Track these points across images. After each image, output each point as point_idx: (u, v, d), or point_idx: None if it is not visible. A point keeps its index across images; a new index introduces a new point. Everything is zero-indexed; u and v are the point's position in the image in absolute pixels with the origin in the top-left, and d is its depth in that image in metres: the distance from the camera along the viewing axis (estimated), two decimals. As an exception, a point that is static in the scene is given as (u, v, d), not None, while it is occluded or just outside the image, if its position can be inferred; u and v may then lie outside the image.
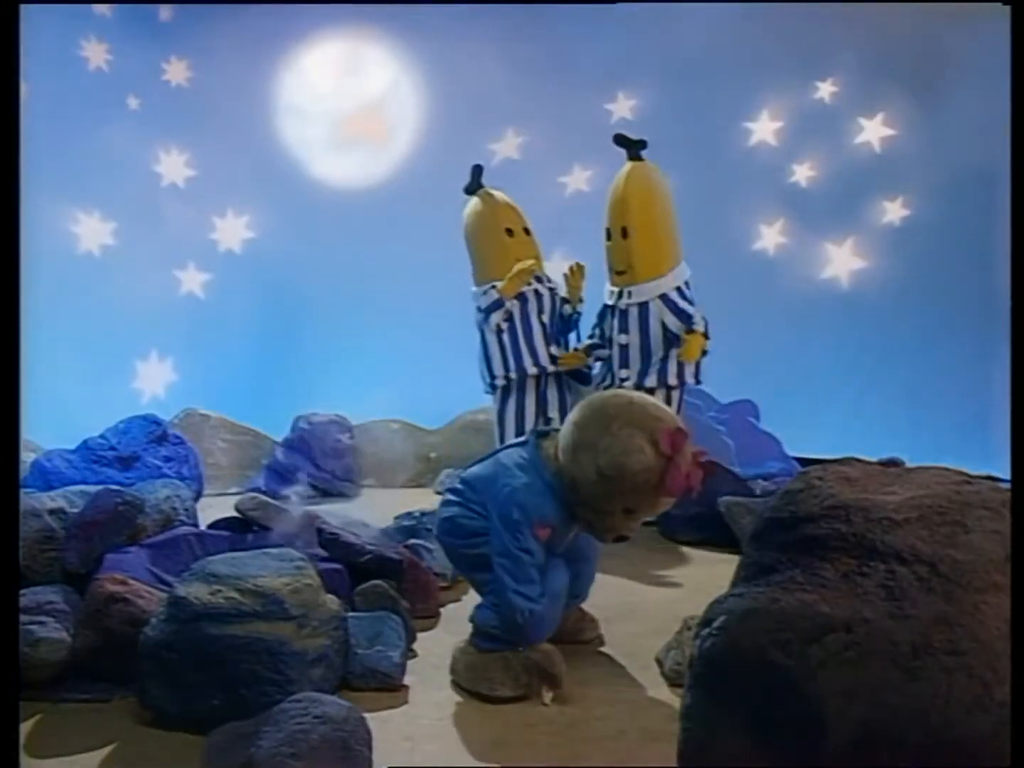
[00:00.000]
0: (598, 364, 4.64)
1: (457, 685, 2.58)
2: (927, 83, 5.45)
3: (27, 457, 4.26)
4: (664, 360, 4.38)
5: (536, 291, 4.57)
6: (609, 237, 4.44)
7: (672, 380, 4.38)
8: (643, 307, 4.37)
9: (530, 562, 2.53)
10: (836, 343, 5.67)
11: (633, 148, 4.42)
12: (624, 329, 4.40)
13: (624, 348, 4.40)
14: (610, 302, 4.46)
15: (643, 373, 4.38)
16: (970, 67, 5.22)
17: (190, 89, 6.00)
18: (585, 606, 3.01)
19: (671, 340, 4.36)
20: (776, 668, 1.58)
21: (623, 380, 4.38)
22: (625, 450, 2.41)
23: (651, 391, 4.30)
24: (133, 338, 5.73)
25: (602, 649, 2.86)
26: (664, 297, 4.36)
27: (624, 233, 4.39)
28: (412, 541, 3.45)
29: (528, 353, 4.54)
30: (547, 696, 2.49)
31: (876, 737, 1.50)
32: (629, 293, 4.38)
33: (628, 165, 4.45)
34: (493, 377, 4.56)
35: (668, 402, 4.40)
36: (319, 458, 5.20)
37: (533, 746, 2.24)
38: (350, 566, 3.01)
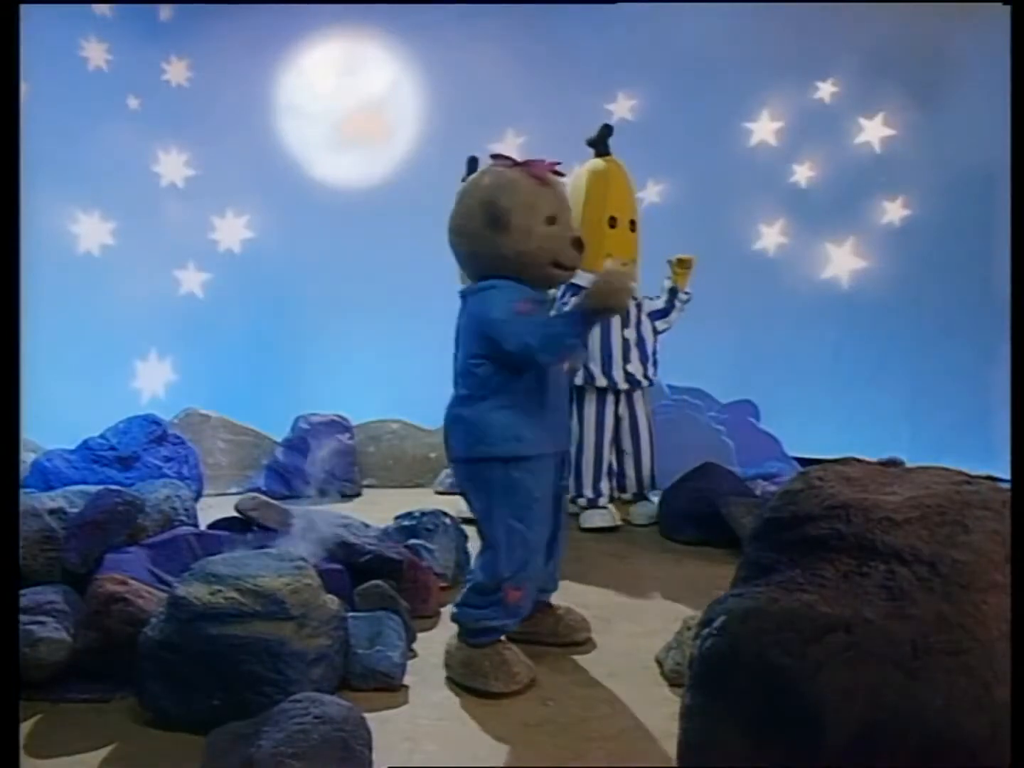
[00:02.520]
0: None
1: (453, 682, 2.58)
2: (927, 83, 5.46)
3: (27, 457, 4.27)
4: (655, 353, 4.44)
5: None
6: (613, 224, 4.34)
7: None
8: (638, 302, 4.38)
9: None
10: (836, 343, 5.68)
11: (604, 144, 4.46)
12: (627, 323, 4.35)
13: (626, 342, 4.34)
14: None
15: (646, 366, 4.38)
16: (970, 67, 5.23)
17: (190, 89, 6.00)
18: (584, 605, 3.01)
19: (655, 332, 4.44)
20: (776, 668, 1.58)
21: (631, 375, 4.33)
22: (478, 180, 2.66)
23: (651, 383, 4.44)
24: (133, 338, 5.73)
25: (602, 649, 2.86)
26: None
27: (632, 226, 4.39)
28: (412, 541, 3.45)
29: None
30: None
31: (876, 737, 1.50)
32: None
33: (612, 160, 4.46)
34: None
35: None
36: (319, 458, 5.20)
37: (533, 746, 2.23)
38: (350, 566, 3.01)
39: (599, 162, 4.49)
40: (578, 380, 4.26)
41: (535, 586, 2.65)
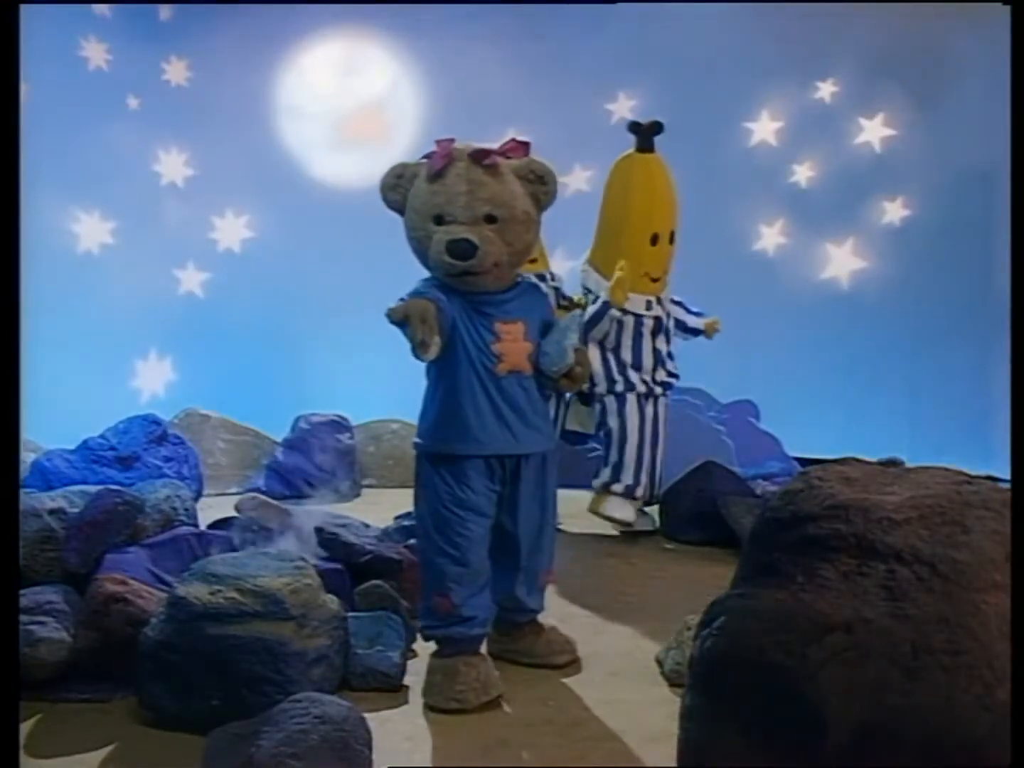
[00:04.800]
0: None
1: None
2: (927, 83, 5.46)
3: (27, 457, 4.26)
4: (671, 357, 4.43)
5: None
6: (655, 242, 4.18)
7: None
8: (667, 313, 4.35)
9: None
10: (836, 343, 5.68)
11: (650, 139, 4.18)
12: (658, 333, 4.29)
13: (658, 352, 4.30)
14: (643, 311, 4.22)
15: (668, 370, 4.37)
16: (970, 67, 5.23)
17: (190, 89, 5.99)
18: (585, 605, 3.00)
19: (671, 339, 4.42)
20: (776, 668, 1.58)
21: (662, 382, 4.32)
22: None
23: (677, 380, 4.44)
24: (133, 337, 5.72)
25: (602, 649, 2.85)
26: (673, 301, 4.42)
27: (672, 238, 4.25)
28: (412, 541, 3.44)
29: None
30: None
31: (876, 737, 1.50)
32: (660, 300, 4.29)
33: (658, 160, 4.22)
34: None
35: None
36: (319, 458, 5.20)
37: (533, 746, 2.24)
38: (350, 566, 3.01)
39: (646, 164, 4.23)
40: (619, 388, 4.23)
41: (472, 595, 2.50)
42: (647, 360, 4.28)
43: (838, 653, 1.55)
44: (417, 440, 2.62)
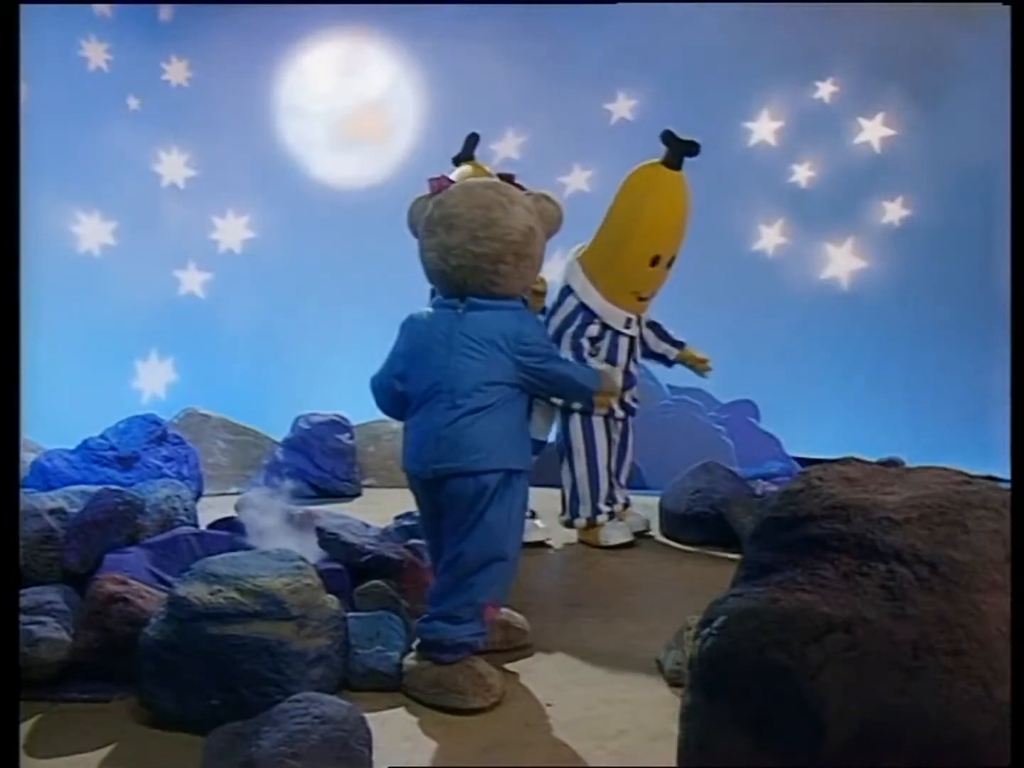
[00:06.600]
0: None
1: (420, 703, 2.46)
2: (927, 83, 5.47)
3: (27, 457, 4.26)
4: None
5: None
6: (654, 263, 3.96)
7: None
8: (642, 335, 4.22)
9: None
10: (836, 343, 5.68)
11: (681, 157, 3.93)
12: (634, 357, 4.17)
13: (631, 376, 4.15)
14: (621, 328, 4.06)
15: (634, 397, 4.26)
16: (970, 67, 5.24)
17: (190, 89, 6.00)
18: (584, 605, 2.99)
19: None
20: (776, 668, 1.58)
21: (627, 404, 4.18)
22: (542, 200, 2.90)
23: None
24: (133, 338, 5.73)
25: (602, 649, 2.86)
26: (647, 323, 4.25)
27: (670, 263, 4.05)
28: (412, 541, 3.44)
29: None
30: None
31: (876, 737, 1.50)
32: (640, 320, 4.14)
33: (682, 180, 3.98)
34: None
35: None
36: (319, 458, 5.19)
37: (533, 746, 2.24)
38: (350, 566, 3.01)
39: (669, 183, 3.98)
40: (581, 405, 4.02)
41: None
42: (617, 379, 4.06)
43: (838, 653, 1.55)
44: (510, 458, 2.55)
